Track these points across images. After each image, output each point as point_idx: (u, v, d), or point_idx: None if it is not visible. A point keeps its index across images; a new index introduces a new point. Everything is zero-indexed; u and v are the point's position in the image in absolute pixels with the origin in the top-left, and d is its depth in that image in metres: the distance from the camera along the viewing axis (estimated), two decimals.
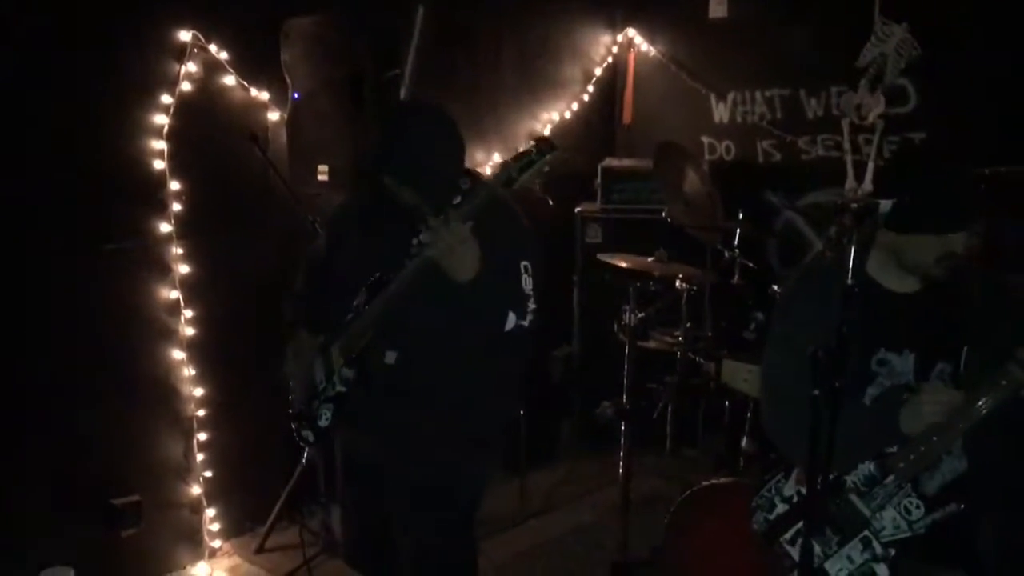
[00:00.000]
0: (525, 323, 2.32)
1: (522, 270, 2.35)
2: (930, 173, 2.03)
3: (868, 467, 2.04)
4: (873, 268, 2.15)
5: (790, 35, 4.89)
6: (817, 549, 2.05)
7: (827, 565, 2.04)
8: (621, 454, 3.80)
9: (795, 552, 2.11)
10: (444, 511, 2.57)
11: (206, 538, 3.80)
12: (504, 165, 2.12)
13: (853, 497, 2.05)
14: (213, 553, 3.82)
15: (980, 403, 1.90)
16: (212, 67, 3.65)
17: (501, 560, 3.87)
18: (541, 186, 4.89)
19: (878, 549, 2.02)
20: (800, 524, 2.11)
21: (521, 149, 2.13)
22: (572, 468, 4.88)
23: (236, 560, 3.86)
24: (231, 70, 3.70)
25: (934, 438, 1.95)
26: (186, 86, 3.55)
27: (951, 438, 1.94)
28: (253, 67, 3.78)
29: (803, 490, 2.13)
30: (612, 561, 3.68)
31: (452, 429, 2.50)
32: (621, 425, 3.84)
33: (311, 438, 2.56)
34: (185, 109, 3.55)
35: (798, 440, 2.07)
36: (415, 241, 2.30)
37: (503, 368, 2.48)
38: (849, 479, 2.05)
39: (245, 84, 3.76)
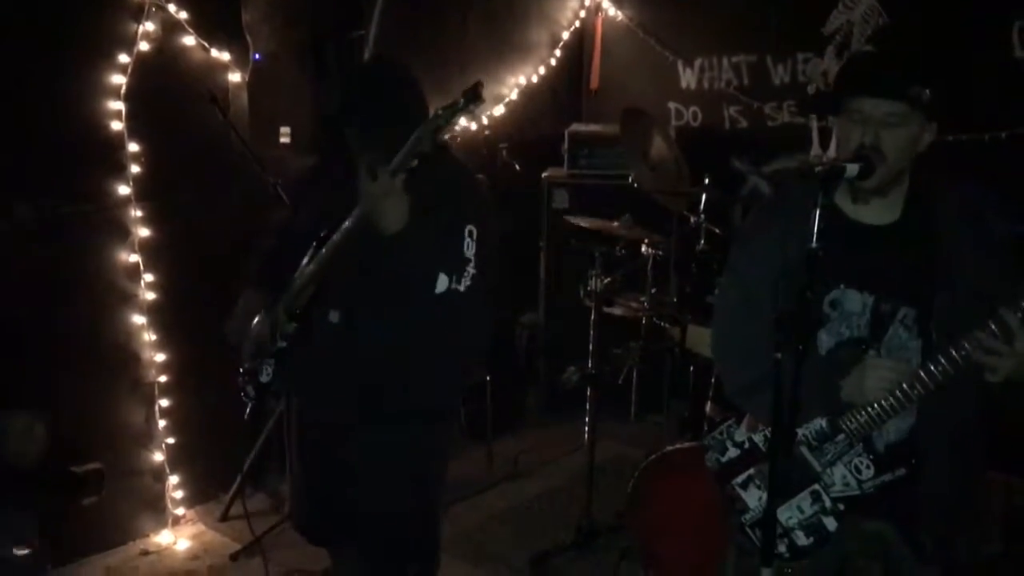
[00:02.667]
0: (460, 288, 2.28)
1: (465, 234, 2.31)
2: (864, 51, 2.00)
3: (820, 423, 2.04)
4: (840, 195, 2.04)
5: (757, 1, 4.87)
6: (764, 497, 2.06)
7: (778, 512, 2.06)
8: (587, 420, 3.82)
9: (746, 496, 2.14)
10: (395, 472, 2.54)
11: (169, 506, 3.77)
12: (433, 116, 2.10)
13: (804, 451, 2.06)
14: (176, 521, 3.80)
15: (934, 378, 1.87)
16: (171, 27, 3.57)
17: (467, 525, 3.88)
18: (508, 151, 4.87)
19: (827, 503, 2.04)
20: (751, 470, 2.14)
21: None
22: (538, 434, 4.90)
23: (200, 528, 3.84)
24: (190, 30, 3.62)
25: (884, 401, 1.93)
26: (144, 46, 3.47)
27: (902, 404, 1.92)
28: (213, 27, 3.71)
29: (754, 437, 2.15)
30: (577, 525, 3.71)
31: (396, 391, 2.48)
32: (587, 391, 3.86)
33: (252, 393, 2.56)
34: (143, 69, 3.47)
35: (736, 369, 2.15)
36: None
37: (440, 333, 2.44)
38: (801, 432, 2.04)
39: (205, 45, 3.69)
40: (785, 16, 4.83)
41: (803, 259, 1.79)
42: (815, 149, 4.61)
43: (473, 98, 2.06)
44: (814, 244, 1.78)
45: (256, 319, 2.59)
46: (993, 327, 1.79)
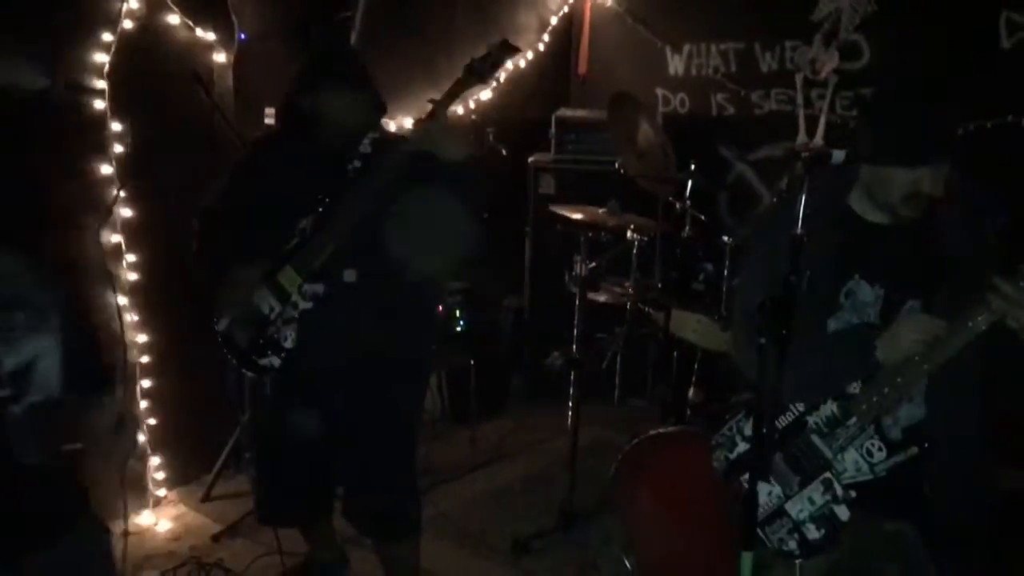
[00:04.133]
0: (486, 215, 2.70)
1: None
2: (901, 103, 2.03)
3: (830, 407, 2.04)
4: (854, 201, 2.14)
5: None
6: (778, 490, 2.07)
7: (788, 506, 2.06)
8: (570, 404, 3.82)
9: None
10: (395, 435, 2.74)
11: (150, 487, 3.75)
12: (469, 67, 2.53)
13: (815, 438, 2.06)
14: (158, 502, 3.78)
15: (954, 340, 1.90)
16: (155, 5, 3.53)
17: (450, 508, 3.89)
18: (494, 135, 4.86)
19: (839, 491, 2.03)
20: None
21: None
22: (522, 418, 4.91)
23: (181, 509, 3.82)
24: (175, 9, 3.59)
25: (899, 379, 1.96)
26: (128, 24, 3.42)
27: (915, 378, 1.95)
28: (198, 6, 3.67)
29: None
30: (560, 508, 3.72)
31: (410, 345, 2.70)
32: (571, 375, 3.86)
33: (277, 363, 2.60)
34: (127, 48, 3.43)
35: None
36: (350, 167, 2.57)
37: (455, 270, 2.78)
38: (811, 419, 2.05)
39: (190, 24, 3.65)
40: (773, 3, 4.83)
41: (820, 249, 1.84)
42: (801, 137, 4.63)
43: (509, 49, 2.49)
44: (799, 230, 1.79)
45: (255, 295, 2.62)
46: (1008, 279, 1.82)
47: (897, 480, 2.01)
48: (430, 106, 2.57)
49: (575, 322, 3.81)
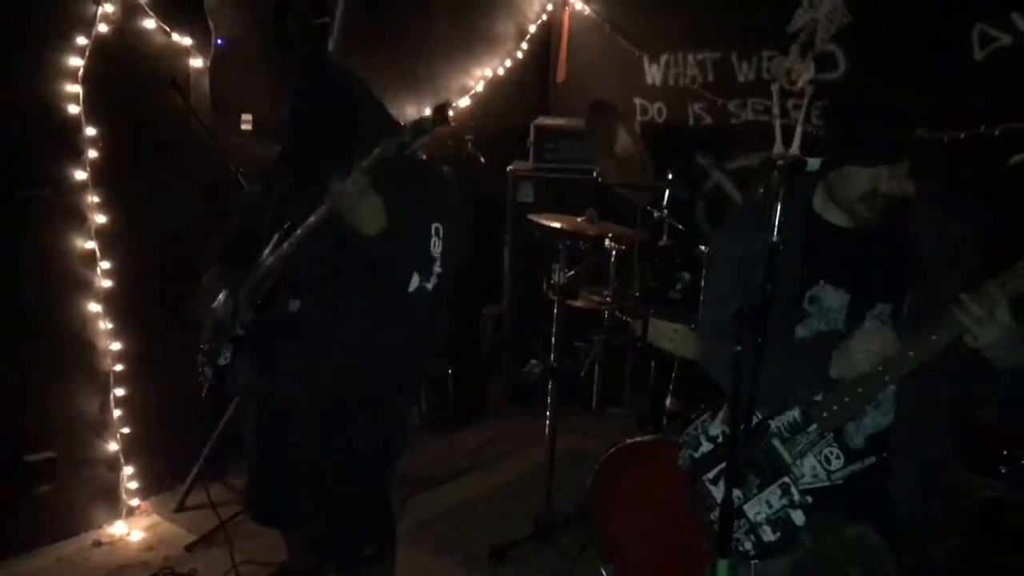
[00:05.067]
0: (428, 286, 2.31)
1: (432, 232, 2.33)
2: (860, 103, 2.05)
3: (793, 413, 2.06)
4: (818, 203, 2.15)
5: None
6: (737, 492, 2.07)
7: (746, 508, 2.06)
8: (548, 413, 3.82)
9: (717, 492, 2.13)
10: (347, 463, 2.56)
11: (123, 496, 3.71)
12: (400, 130, 2.18)
13: (776, 442, 2.07)
14: (131, 512, 3.74)
15: (913, 353, 1.91)
16: (131, 9, 3.51)
17: (427, 516, 3.87)
18: (473, 143, 4.86)
19: (796, 496, 2.04)
20: (723, 464, 2.10)
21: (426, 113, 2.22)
22: (500, 426, 4.90)
23: (155, 519, 3.78)
24: (151, 13, 3.56)
25: (859, 389, 1.97)
26: (103, 28, 3.40)
27: (877, 389, 1.96)
28: (174, 11, 3.65)
29: (728, 431, 2.15)
30: (537, 516, 3.71)
31: (352, 382, 2.49)
32: (548, 384, 3.86)
33: (210, 374, 2.55)
34: (102, 52, 3.40)
35: (720, 358, 2.13)
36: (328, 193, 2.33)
37: (403, 328, 2.47)
38: (773, 424, 2.06)
39: (166, 28, 3.63)
40: (750, 14, 4.86)
41: (785, 255, 1.82)
42: (778, 146, 4.66)
43: (442, 120, 2.15)
44: (775, 237, 1.80)
45: (219, 299, 2.58)
46: (976, 297, 1.84)
47: (853, 489, 2.03)
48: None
49: (553, 330, 3.81)
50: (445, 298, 2.40)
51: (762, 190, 2.05)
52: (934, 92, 4.09)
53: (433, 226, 2.33)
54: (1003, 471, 3.18)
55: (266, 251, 2.47)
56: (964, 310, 1.85)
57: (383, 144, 2.17)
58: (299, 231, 2.34)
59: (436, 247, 2.33)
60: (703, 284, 2.35)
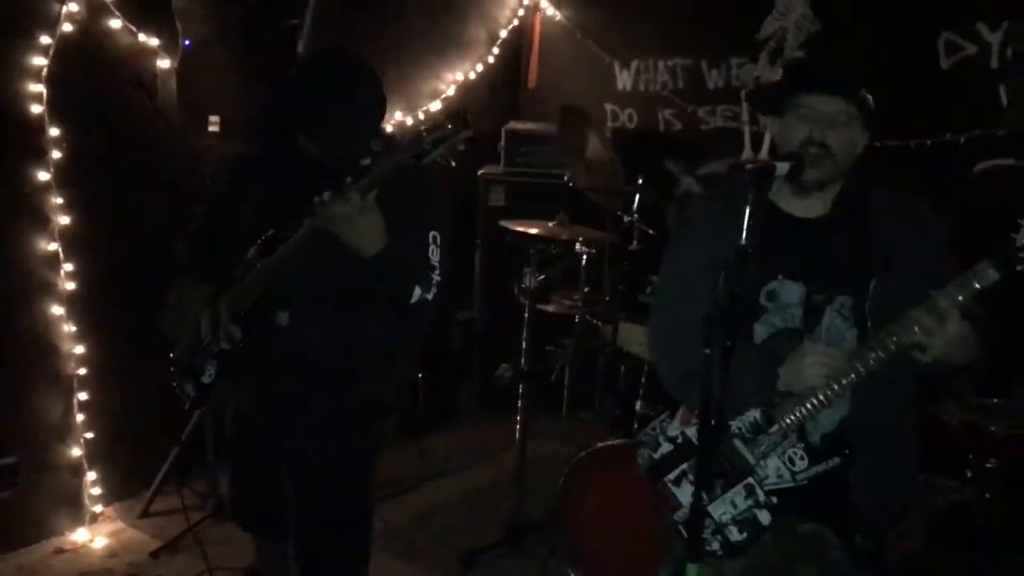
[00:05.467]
0: (429, 296, 2.27)
1: (430, 240, 2.29)
2: (810, 54, 2.04)
3: (754, 414, 2.04)
4: (774, 192, 2.09)
5: (693, 5, 4.93)
6: None
7: (711, 508, 2.05)
8: (519, 417, 3.81)
9: (679, 493, 2.12)
10: (332, 476, 2.51)
11: (87, 502, 3.65)
12: (417, 138, 2.03)
13: (738, 443, 2.05)
14: (94, 518, 3.68)
15: (869, 361, 1.90)
16: (97, 9, 3.47)
17: (397, 522, 3.85)
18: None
19: (761, 496, 2.03)
20: (684, 465, 2.12)
21: (427, 121, 2.10)
22: (471, 431, 4.88)
23: (119, 525, 3.72)
24: (117, 13, 3.52)
25: (820, 394, 1.95)
26: (67, 27, 3.36)
27: (836, 394, 1.95)
28: (141, 11, 3.61)
29: (687, 431, 2.14)
30: (507, 522, 3.70)
31: (342, 395, 2.44)
32: (520, 388, 3.85)
33: (192, 392, 2.47)
34: (66, 52, 3.36)
35: (675, 360, 2.16)
36: (316, 199, 2.20)
37: (401, 338, 2.43)
38: (734, 425, 2.05)
39: (132, 28, 3.59)
40: (720, 21, 4.89)
41: (736, 255, 1.80)
42: (747, 153, 4.69)
43: (464, 126, 2.02)
44: (744, 241, 1.79)
45: (197, 314, 2.47)
46: (925, 310, 1.83)
47: (818, 488, 2.01)
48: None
49: (524, 335, 3.80)
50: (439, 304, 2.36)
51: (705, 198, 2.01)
52: (901, 100, 4.14)
53: (431, 234, 2.29)
54: (968, 475, 3.21)
55: (248, 258, 2.38)
56: (913, 324, 1.83)
57: (394, 159, 2.05)
58: (286, 244, 2.24)
59: (435, 255, 2.29)
60: (653, 295, 2.26)
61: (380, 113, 2.36)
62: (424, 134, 2.03)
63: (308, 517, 2.52)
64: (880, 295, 1.98)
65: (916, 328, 1.83)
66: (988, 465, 3.15)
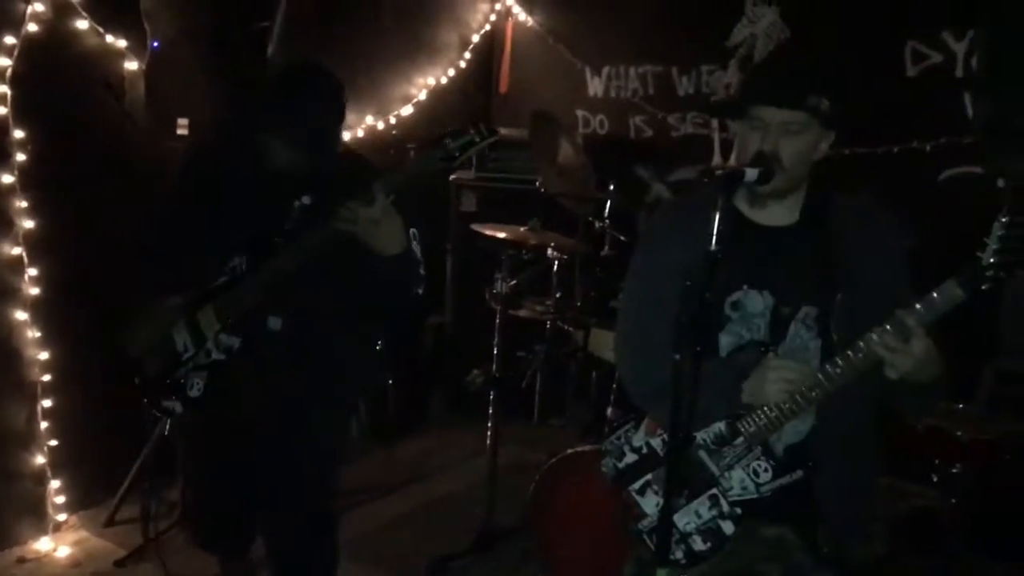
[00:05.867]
0: (420, 291, 2.35)
1: (411, 237, 2.32)
2: (770, 56, 2.04)
3: (719, 426, 2.04)
4: (739, 199, 2.08)
5: (664, 13, 4.95)
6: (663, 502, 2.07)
7: (675, 518, 2.05)
8: (489, 423, 3.80)
9: (643, 503, 2.12)
10: (317, 485, 2.56)
11: (50, 511, 3.59)
12: (440, 142, 2.12)
13: (703, 454, 2.06)
14: (58, 527, 3.62)
15: (834, 377, 1.89)
16: (63, 9, 3.42)
17: (367, 529, 3.82)
18: (415, 152, 4.83)
19: (725, 507, 2.04)
20: (649, 476, 2.12)
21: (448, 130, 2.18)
22: (441, 437, 4.86)
23: (83, 534, 3.66)
24: (84, 14, 3.48)
25: (785, 406, 1.95)
26: (33, 27, 3.31)
27: (800, 408, 1.95)
28: (109, 12, 3.57)
29: (652, 442, 2.14)
30: (478, 528, 3.68)
31: (333, 397, 2.49)
32: (490, 394, 3.84)
33: (178, 409, 2.43)
34: (32, 52, 3.31)
35: (640, 372, 2.16)
36: (296, 204, 2.31)
37: (389, 332, 2.52)
38: (700, 436, 2.05)
39: (99, 29, 3.55)
40: (690, 28, 4.92)
41: (706, 260, 1.79)
42: (716, 159, 4.72)
43: (491, 133, 2.13)
44: (713, 247, 1.78)
45: (167, 329, 2.45)
46: (890, 328, 1.83)
47: (782, 500, 2.02)
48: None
49: (495, 340, 3.79)
50: None
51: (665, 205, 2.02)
52: (868, 107, 4.19)
53: (411, 231, 2.32)
54: (934, 480, 3.24)
55: (233, 264, 2.38)
56: (879, 343, 1.83)
57: (419, 161, 2.15)
58: (290, 251, 2.26)
59: (418, 250, 2.34)
60: (619, 302, 2.27)
61: (341, 120, 2.42)
62: (448, 140, 2.12)
63: (288, 517, 2.54)
64: (845, 309, 1.97)
65: (882, 347, 1.83)
66: (954, 470, 3.18)
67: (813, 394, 1.93)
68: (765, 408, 1.98)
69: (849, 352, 1.89)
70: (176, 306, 2.45)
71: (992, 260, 1.74)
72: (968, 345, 2.02)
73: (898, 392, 1.91)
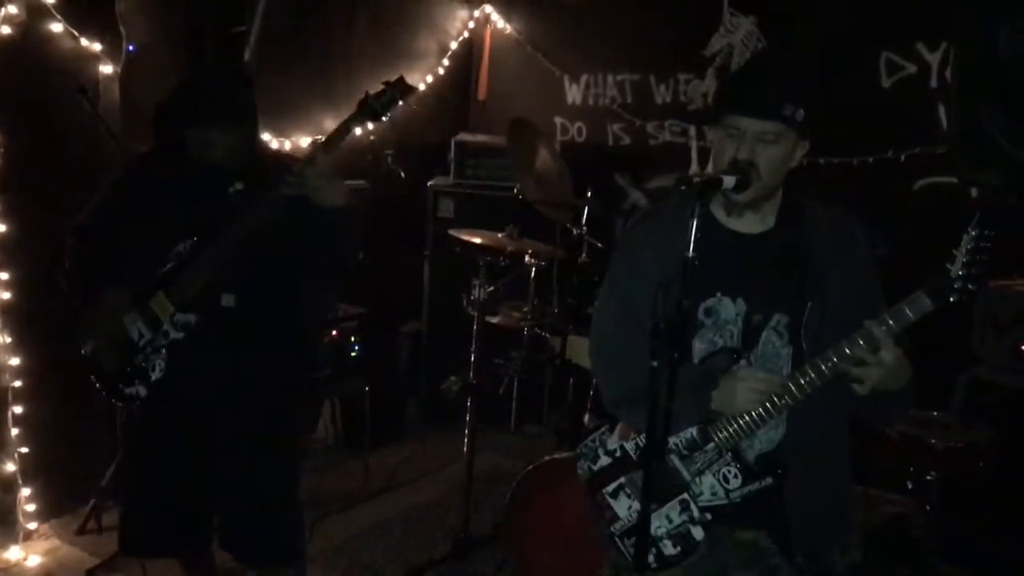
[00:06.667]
0: (362, 256, 2.58)
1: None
2: (750, 63, 2.04)
3: (691, 432, 2.05)
4: (716, 206, 2.10)
5: (642, 21, 4.98)
6: (637, 506, 2.08)
7: None
8: (466, 431, 3.78)
9: (616, 506, 2.14)
10: (277, 460, 2.65)
11: (20, 519, 3.53)
12: (365, 103, 2.39)
13: (675, 459, 2.07)
14: (28, 535, 3.57)
15: (803, 387, 1.91)
16: (37, 11, 3.38)
17: (341, 538, 3.80)
18: (393, 158, 4.82)
19: (695, 512, 2.05)
20: (622, 479, 2.14)
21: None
22: (417, 445, 4.84)
23: (54, 543, 3.62)
24: (58, 16, 3.44)
25: (755, 412, 1.97)
26: (5, 29, 3.27)
27: (771, 415, 1.96)
28: (84, 15, 3.53)
29: (625, 445, 2.15)
30: (454, 537, 3.67)
31: (287, 370, 2.62)
32: (467, 401, 3.83)
33: (143, 393, 2.51)
34: (4, 55, 3.28)
35: (614, 378, 2.18)
36: (231, 190, 2.48)
37: (331, 302, 2.65)
38: (672, 441, 2.05)
39: (74, 32, 3.51)
40: (668, 37, 4.95)
41: (674, 263, 1.80)
42: (694, 167, 4.74)
43: (408, 89, 2.42)
44: (690, 253, 1.79)
45: (118, 323, 2.51)
46: (859, 339, 1.85)
47: (752, 507, 2.03)
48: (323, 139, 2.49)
49: (472, 347, 3.78)
50: None
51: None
52: (844, 117, 4.22)
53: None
54: (909, 487, 3.27)
55: (178, 250, 2.47)
56: (849, 355, 1.85)
57: (350, 120, 2.39)
58: (236, 228, 2.40)
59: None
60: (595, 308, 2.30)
61: (253, 108, 2.59)
62: (372, 101, 2.40)
63: (251, 501, 2.60)
64: (815, 318, 1.99)
65: (851, 361, 1.85)
66: (928, 477, 3.20)
67: (782, 403, 1.94)
68: (735, 416, 1.99)
69: (818, 361, 1.91)
70: (124, 298, 2.53)
71: (960, 272, 1.77)
72: (942, 354, 2.03)
73: (867, 401, 1.92)
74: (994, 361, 3.46)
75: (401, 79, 2.42)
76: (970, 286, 1.77)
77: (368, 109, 2.42)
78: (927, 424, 3.22)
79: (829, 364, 1.89)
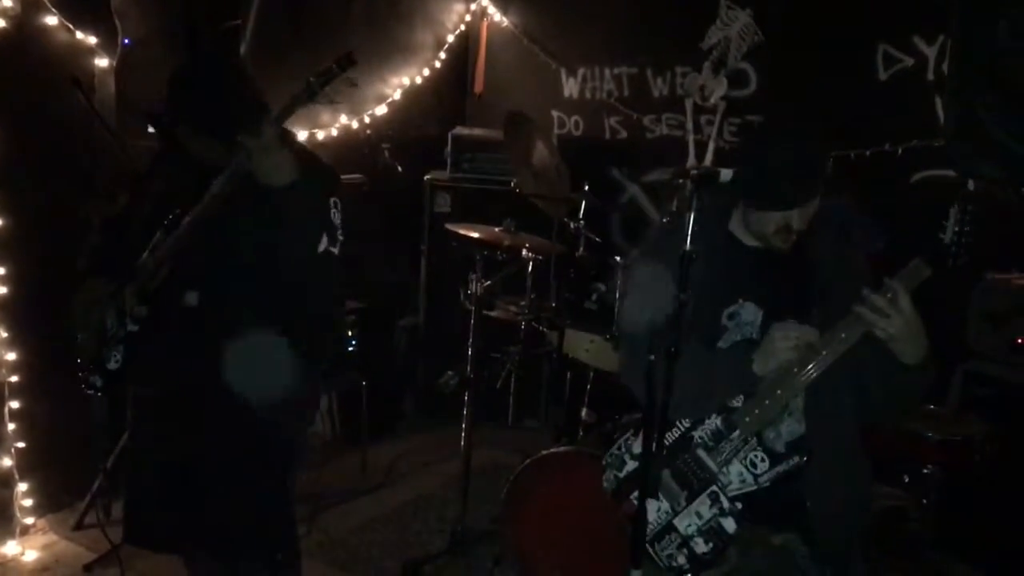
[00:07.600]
0: (335, 250, 2.39)
1: (331, 205, 2.42)
2: (769, 152, 2.08)
3: (715, 422, 2.08)
4: (734, 226, 2.23)
5: (639, 14, 4.97)
6: (667, 506, 2.09)
7: (676, 522, 2.08)
8: (463, 425, 3.78)
9: (650, 508, 2.13)
10: (252, 464, 2.49)
11: (17, 514, 3.53)
12: (307, 81, 2.24)
13: (701, 452, 2.09)
14: (25, 530, 3.57)
15: (827, 351, 1.98)
16: (32, 5, 3.37)
17: (339, 532, 3.80)
18: (390, 152, 4.81)
19: (725, 503, 2.05)
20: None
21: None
22: (414, 440, 4.85)
23: (52, 537, 3.62)
24: (53, 10, 3.43)
25: (778, 391, 2.01)
26: (0, 23, 3.25)
27: (794, 390, 2.00)
28: (79, 8, 3.53)
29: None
30: (451, 531, 3.67)
31: (259, 373, 2.41)
32: (464, 396, 3.83)
33: (99, 383, 2.49)
34: None
35: (635, 359, 2.17)
36: (214, 185, 2.35)
37: (311, 297, 2.48)
38: (696, 434, 2.08)
39: (69, 26, 3.50)
40: (664, 30, 4.94)
41: (705, 274, 1.91)
42: (691, 161, 4.73)
43: (347, 64, 2.23)
44: (688, 247, 1.82)
45: (101, 312, 2.50)
46: (879, 292, 1.94)
47: (780, 489, 2.05)
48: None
49: (469, 341, 3.78)
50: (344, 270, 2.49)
51: (675, 204, 2.10)
52: (841, 110, 4.22)
53: (331, 199, 2.42)
54: (906, 480, 3.27)
55: (153, 243, 2.42)
56: (868, 303, 1.94)
57: (295, 96, 2.24)
58: (193, 213, 2.32)
59: (336, 217, 2.42)
60: (618, 299, 2.36)
61: (248, 95, 2.48)
62: (312, 79, 2.24)
63: (224, 506, 2.48)
64: (820, 323, 2.06)
65: (871, 310, 1.94)
66: (925, 471, 3.21)
67: (814, 363, 1.99)
68: (760, 398, 2.03)
69: (843, 322, 1.99)
70: (104, 287, 2.51)
71: (953, 239, 1.93)
72: (938, 348, 2.05)
73: (888, 376, 2.01)
74: (990, 355, 3.47)
75: (347, 55, 2.28)
76: (961, 251, 1.92)
77: (309, 89, 2.26)
78: (924, 417, 3.23)
79: (852, 320, 1.96)
